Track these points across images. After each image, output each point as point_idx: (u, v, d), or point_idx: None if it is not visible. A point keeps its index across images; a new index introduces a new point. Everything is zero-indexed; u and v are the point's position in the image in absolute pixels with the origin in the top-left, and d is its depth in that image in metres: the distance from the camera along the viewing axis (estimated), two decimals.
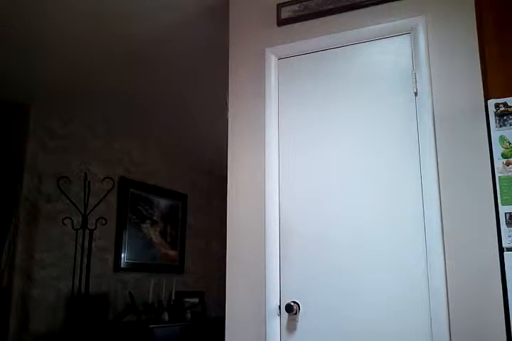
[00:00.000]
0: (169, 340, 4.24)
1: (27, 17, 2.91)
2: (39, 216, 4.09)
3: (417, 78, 2.10)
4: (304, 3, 2.42)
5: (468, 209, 1.92)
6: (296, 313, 2.10)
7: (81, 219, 4.05)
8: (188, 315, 4.77)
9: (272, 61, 2.42)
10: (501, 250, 1.81)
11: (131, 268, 4.78)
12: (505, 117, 1.87)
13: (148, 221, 5.07)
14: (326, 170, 2.21)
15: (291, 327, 2.11)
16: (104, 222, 4.21)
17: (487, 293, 1.82)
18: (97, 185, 4.33)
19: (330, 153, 2.22)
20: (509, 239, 1.78)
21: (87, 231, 4.02)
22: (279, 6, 2.47)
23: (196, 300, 5.11)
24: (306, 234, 2.17)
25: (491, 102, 1.91)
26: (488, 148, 1.91)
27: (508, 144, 1.85)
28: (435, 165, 1.99)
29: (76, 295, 3.97)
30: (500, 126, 1.88)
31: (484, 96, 1.97)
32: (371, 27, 2.24)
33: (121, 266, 4.69)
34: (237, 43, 2.56)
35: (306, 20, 2.40)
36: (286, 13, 2.45)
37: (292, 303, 2.10)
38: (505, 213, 1.80)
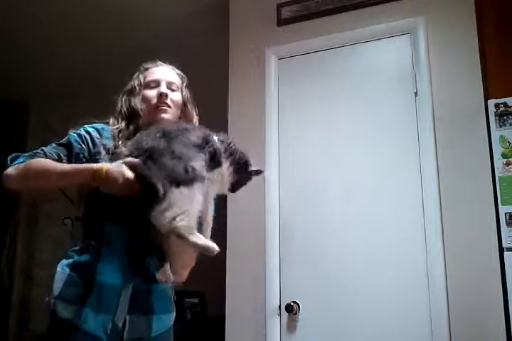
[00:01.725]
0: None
1: (27, 17, 2.91)
2: (39, 216, 4.08)
3: (417, 78, 2.10)
4: (304, 3, 2.42)
5: (468, 209, 1.92)
6: (296, 313, 2.10)
7: None
8: (188, 315, 4.77)
9: (272, 61, 2.42)
10: (501, 250, 1.81)
11: None
12: (505, 117, 1.88)
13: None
14: (326, 170, 2.20)
15: (291, 327, 2.11)
16: None
17: (487, 293, 1.82)
18: None
19: (330, 153, 2.21)
20: (509, 239, 1.78)
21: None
22: (279, 6, 2.47)
23: (196, 300, 5.10)
24: (306, 234, 2.17)
25: (491, 102, 1.91)
26: (488, 148, 1.91)
27: (508, 144, 1.85)
28: (435, 165, 1.99)
29: None
30: (500, 126, 1.88)
31: (484, 96, 1.97)
32: (371, 27, 2.24)
33: None
34: (237, 43, 2.56)
35: (306, 20, 2.40)
36: (286, 13, 2.45)
37: (292, 303, 2.10)
38: (505, 213, 1.80)
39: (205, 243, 1.24)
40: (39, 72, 3.61)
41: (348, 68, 2.27)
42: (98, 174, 1.24)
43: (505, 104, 1.88)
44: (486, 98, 1.95)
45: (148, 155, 1.24)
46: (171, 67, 1.65)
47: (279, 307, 2.14)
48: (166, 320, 1.45)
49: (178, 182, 1.21)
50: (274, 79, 2.40)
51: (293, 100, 2.35)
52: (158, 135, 1.30)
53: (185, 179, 1.23)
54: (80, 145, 1.46)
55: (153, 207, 1.20)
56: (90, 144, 1.46)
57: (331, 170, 2.19)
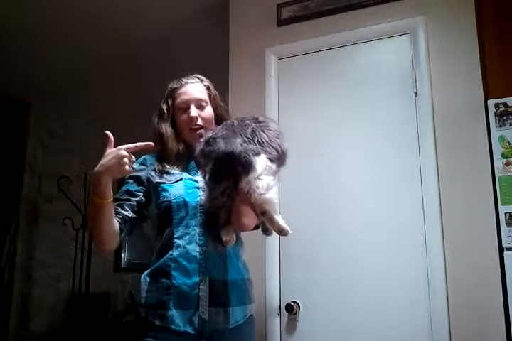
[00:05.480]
0: None
1: (27, 17, 2.91)
2: (39, 216, 4.09)
3: (417, 78, 2.10)
4: (304, 4, 2.42)
5: (468, 209, 1.92)
6: (296, 313, 2.10)
7: (81, 219, 4.05)
8: None
9: (272, 61, 2.42)
10: (501, 250, 1.81)
11: (131, 268, 4.77)
12: (505, 117, 1.88)
13: (148, 220, 5.05)
14: (325, 170, 2.20)
15: (291, 327, 2.11)
16: None
17: (487, 292, 1.82)
18: None
19: (330, 153, 2.21)
20: (509, 239, 1.78)
21: (88, 231, 4.01)
22: (279, 6, 2.47)
23: None
24: (306, 234, 2.17)
25: (491, 102, 1.91)
26: (488, 148, 1.91)
27: (508, 144, 1.85)
28: (435, 165, 1.99)
29: (76, 295, 3.97)
30: (500, 126, 1.88)
31: (484, 96, 1.97)
32: (371, 27, 2.24)
33: (121, 266, 4.68)
34: (237, 43, 2.56)
35: (306, 20, 2.40)
36: (286, 13, 2.45)
37: (292, 303, 2.10)
38: (505, 213, 1.80)
39: (283, 223, 1.36)
40: (39, 72, 3.60)
41: (348, 68, 2.27)
42: None
43: (505, 104, 1.88)
44: (486, 98, 1.95)
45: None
46: (195, 80, 1.69)
47: (279, 307, 2.14)
48: (241, 312, 1.53)
49: (269, 158, 1.35)
50: (274, 79, 2.40)
51: (293, 100, 2.35)
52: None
53: (276, 157, 1.39)
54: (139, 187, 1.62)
55: (244, 175, 1.28)
56: (144, 181, 1.61)
57: (330, 169, 2.19)
